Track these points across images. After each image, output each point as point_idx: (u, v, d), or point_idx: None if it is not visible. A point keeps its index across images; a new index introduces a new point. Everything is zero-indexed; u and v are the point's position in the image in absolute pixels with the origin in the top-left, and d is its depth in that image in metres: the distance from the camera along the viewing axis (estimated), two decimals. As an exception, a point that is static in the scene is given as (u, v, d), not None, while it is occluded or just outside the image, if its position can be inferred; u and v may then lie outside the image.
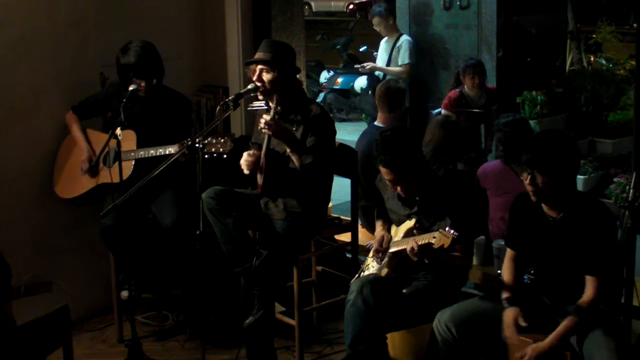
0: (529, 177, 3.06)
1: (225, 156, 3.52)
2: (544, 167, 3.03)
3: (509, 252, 3.42)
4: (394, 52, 7.03)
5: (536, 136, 3.16)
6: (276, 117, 3.77)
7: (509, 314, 3.20)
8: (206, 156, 3.51)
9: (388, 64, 7.06)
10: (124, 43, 4.16)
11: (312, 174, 3.74)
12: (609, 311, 3.21)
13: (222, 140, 3.51)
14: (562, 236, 3.14)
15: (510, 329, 3.16)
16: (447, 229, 3.20)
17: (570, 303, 3.17)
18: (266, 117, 3.69)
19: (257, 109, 3.98)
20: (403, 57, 6.97)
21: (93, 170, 4.19)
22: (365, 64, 7.32)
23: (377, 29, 7.11)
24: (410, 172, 3.46)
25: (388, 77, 6.94)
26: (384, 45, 7.16)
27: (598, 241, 3.06)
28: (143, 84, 4.09)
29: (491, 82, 6.51)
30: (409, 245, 3.36)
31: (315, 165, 3.70)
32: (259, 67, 3.79)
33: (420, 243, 3.31)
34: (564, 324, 3.07)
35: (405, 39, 7.03)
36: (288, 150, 3.73)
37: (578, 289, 3.16)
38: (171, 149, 3.94)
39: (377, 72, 7.29)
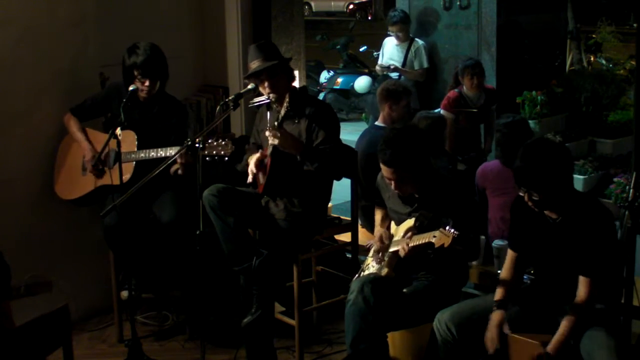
0: (526, 194, 3.06)
1: (226, 159, 3.53)
2: (539, 187, 3.01)
3: (510, 254, 3.42)
4: (409, 56, 7.06)
5: (525, 153, 3.05)
6: (282, 122, 3.79)
7: (495, 317, 3.21)
8: (207, 159, 3.52)
9: (403, 67, 7.08)
10: (125, 43, 4.16)
11: (323, 174, 3.78)
12: (609, 311, 3.21)
13: (223, 142, 3.51)
14: (562, 237, 3.13)
15: (492, 331, 3.18)
16: (447, 228, 3.19)
17: (569, 304, 3.17)
18: (268, 133, 3.71)
19: (258, 105, 3.99)
20: (422, 62, 7.04)
21: (98, 170, 4.18)
22: (383, 64, 7.27)
23: (394, 34, 7.10)
24: (410, 172, 3.46)
25: (402, 77, 6.96)
26: (395, 48, 7.15)
27: (595, 242, 3.06)
28: (147, 83, 4.08)
29: (491, 82, 6.52)
30: (400, 246, 3.37)
31: (323, 166, 3.74)
32: (265, 77, 3.81)
33: (416, 244, 3.31)
34: (562, 329, 3.06)
35: (421, 43, 7.08)
36: (299, 158, 3.75)
37: (576, 289, 3.16)
38: (171, 151, 3.94)
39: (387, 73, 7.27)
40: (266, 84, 3.83)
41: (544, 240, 3.20)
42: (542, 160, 3.01)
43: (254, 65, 3.84)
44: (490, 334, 3.18)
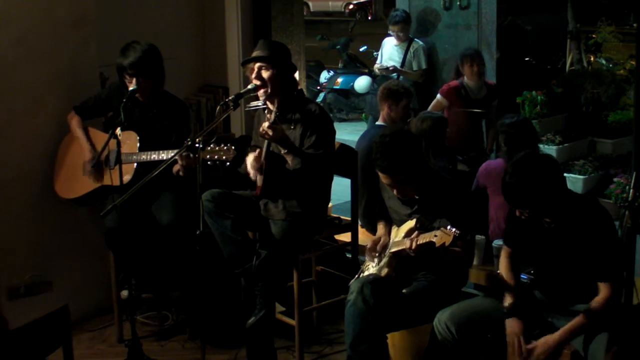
0: (518, 210, 3.06)
1: (228, 164, 3.52)
2: (531, 207, 3.02)
3: (505, 250, 3.42)
4: (408, 56, 7.06)
5: (513, 174, 3.04)
6: (276, 119, 3.77)
7: (512, 326, 3.16)
8: (209, 163, 3.51)
9: (401, 67, 7.09)
10: (124, 43, 4.15)
11: (303, 177, 3.74)
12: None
13: (225, 147, 3.51)
14: (559, 240, 3.13)
15: (514, 342, 3.12)
16: (448, 227, 3.20)
17: (569, 304, 3.17)
18: (264, 125, 3.69)
19: (254, 109, 3.97)
20: (420, 62, 7.05)
21: (98, 171, 4.18)
22: (382, 65, 7.27)
23: (394, 34, 7.10)
24: (407, 176, 3.46)
25: (401, 78, 6.97)
26: (394, 48, 7.15)
27: (602, 245, 3.04)
28: (134, 82, 4.05)
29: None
30: (407, 244, 3.37)
31: (304, 169, 3.70)
32: (257, 65, 3.79)
33: (420, 242, 3.31)
34: (574, 322, 3.05)
35: (420, 44, 7.08)
36: (282, 152, 3.73)
37: (576, 290, 3.16)
38: (172, 154, 3.93)
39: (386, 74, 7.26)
40: (254, 73, 3.78)
41: (540, 243, 3.20)
42: (530, 182, 2.99)
43: (254, 54, 3.83)
44: (512, 347, 3.11)
